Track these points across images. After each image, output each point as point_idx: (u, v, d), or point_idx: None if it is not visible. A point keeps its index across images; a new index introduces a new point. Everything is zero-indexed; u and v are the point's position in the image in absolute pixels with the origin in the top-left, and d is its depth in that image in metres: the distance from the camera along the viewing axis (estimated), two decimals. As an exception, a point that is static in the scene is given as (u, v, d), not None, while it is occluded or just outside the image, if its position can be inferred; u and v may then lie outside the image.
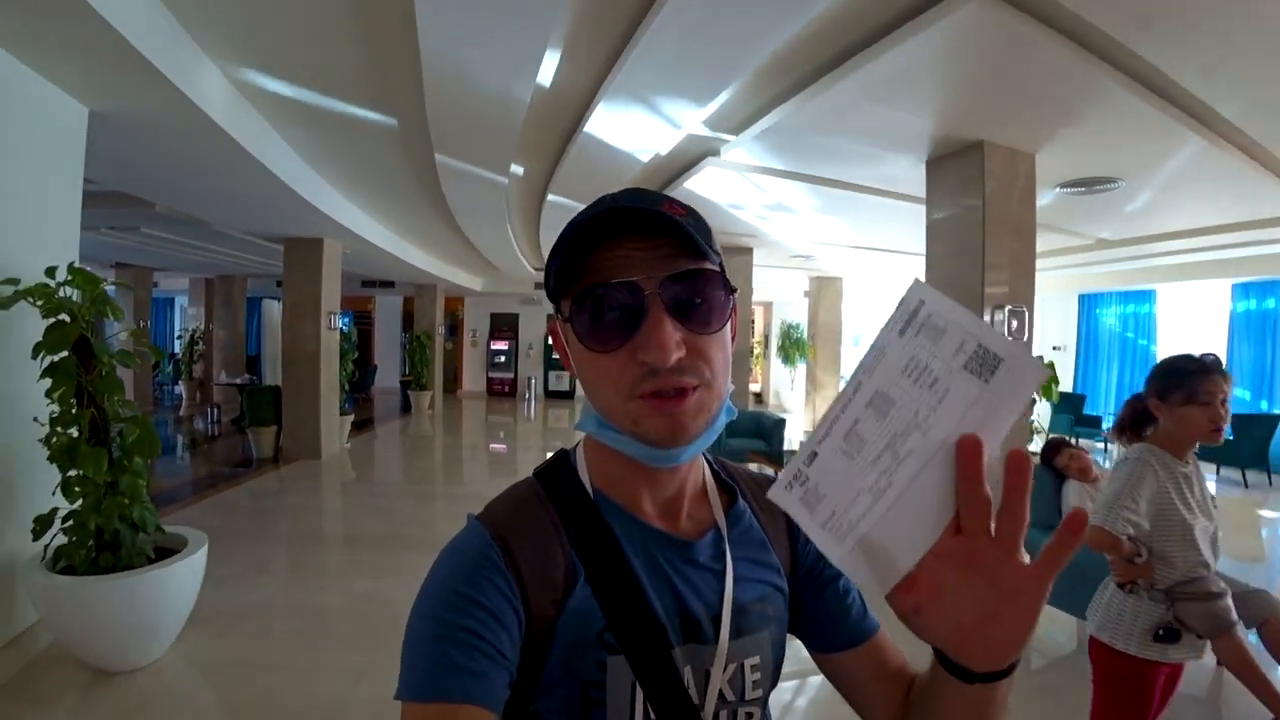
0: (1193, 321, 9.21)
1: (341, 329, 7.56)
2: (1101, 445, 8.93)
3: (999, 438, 0.41)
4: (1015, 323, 3.73)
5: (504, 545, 0.57)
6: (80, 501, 2.51)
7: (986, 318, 3.61)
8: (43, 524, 2.52)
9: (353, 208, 6.44)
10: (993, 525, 0.43)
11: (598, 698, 0.56)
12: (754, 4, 2.36)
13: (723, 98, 3.24)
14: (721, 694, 0.59)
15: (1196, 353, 1.69)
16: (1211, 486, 4.80)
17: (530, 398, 14.53)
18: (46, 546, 2.59)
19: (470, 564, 0.55)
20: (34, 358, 2.42)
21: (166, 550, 2.82)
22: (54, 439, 2.49)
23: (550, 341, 0.68)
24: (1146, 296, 9.80)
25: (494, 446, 9.40)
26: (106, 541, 2.58)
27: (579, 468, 0.65)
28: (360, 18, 2.71)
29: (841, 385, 0.67)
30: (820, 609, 0.70)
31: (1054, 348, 10.65)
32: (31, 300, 2.45)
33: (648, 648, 0.56)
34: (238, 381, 9.69)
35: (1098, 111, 3.14)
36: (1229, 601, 1.71)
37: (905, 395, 0.42)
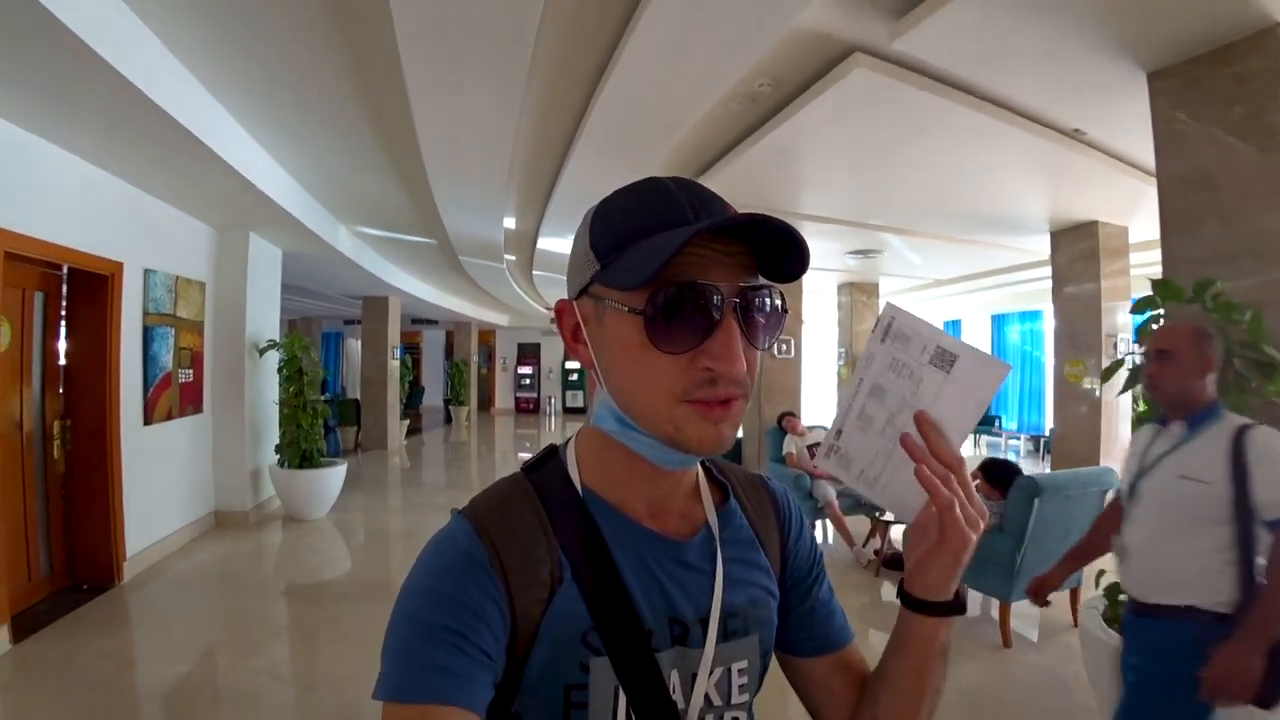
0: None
1: (401, 358, 10.75)
2: (1001, 439, 11.29)
3: (971, 414, 0.54)
4: None
5: (490, 542, 0.55)
6: (294, 438, 5.59)
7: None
8: (279, 447, 5.62)
9: (409, 277, 9.64)
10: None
11: (579, 700, 0.55)
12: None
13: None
14: (707, 698, 0.59)
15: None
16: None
17: (550, 413, 17.58)
18: (279, 457, 5.67)
19: (454, 562, 0.54)
20: (278, 372, 5.54)
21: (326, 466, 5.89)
22: (284, 410, 5.59)
23: (556, 325, 0.62)
24: (1037, 315, 11.80)
25: (515, 448, 12.44)
26: (303, 455, 5.64)
27: (569, 465, 0.63)
28: (408, 195, 5.76)
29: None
30: (806, 612, 0.71)
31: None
32: (275, 347, 5.57)
33: (632, 650, 0.55)
34: (323, 397, 13.06)
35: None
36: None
37: (893, 385, 0.55)
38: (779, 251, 0.54)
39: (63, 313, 3.83)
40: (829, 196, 5.19)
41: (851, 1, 2.52)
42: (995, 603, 3.49)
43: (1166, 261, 2.89)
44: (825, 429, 4.71)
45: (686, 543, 0.62)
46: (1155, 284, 2.40)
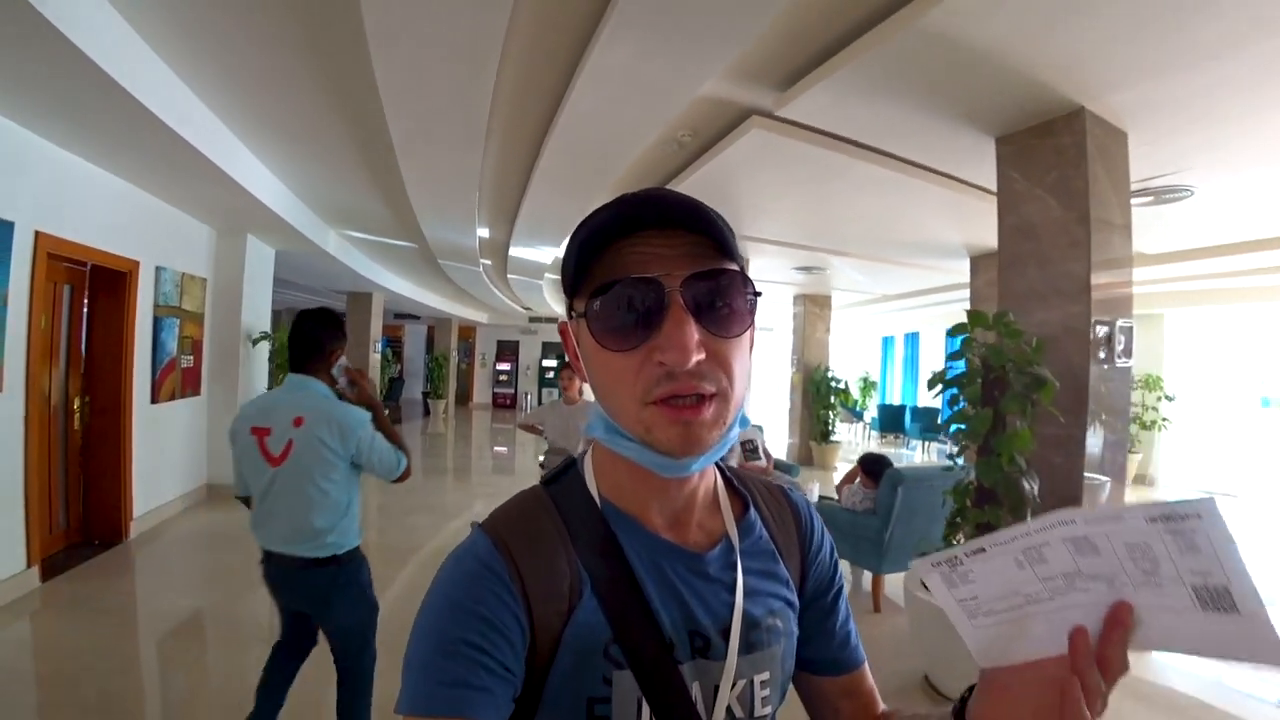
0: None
1: (383, 351, 11.31)
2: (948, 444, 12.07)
3: (1175, 644, 0.42)
4: (1123, 340, 3.22)
5: (509, 555, 0.55)
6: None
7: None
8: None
9: (392, 275, 10.21)
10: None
11: (603, 713, 0.54)
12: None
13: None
14: (730, 711, 0.58)
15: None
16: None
17: (526, 408, 18.14)
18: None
19: (473, 575, 0.54)
20: (270, 361, 6.12)
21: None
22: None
23: (562, 343, 0.64)
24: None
25: (490, 442, 13.01)
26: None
27: (586, 476, 0.63)
28: (390, 208, 6.36)
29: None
30: (819, 630, 0.70)
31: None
32: (267, 338, 6.14)
33: (655, 662, 0.55)
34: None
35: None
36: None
37: (1113, 557, 0.42)
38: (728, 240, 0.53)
39: (85, 304, 4.41)
40: (767, 222, 5.86)
41: (743, 77, 3.18)
42: (868, 574, 4.18)
43: (1001, 295, 3.60)
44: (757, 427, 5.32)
45: (706, 554, 0.61)
46: (969, 314, 3.09)
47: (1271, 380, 9.12)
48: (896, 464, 4.26)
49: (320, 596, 2.01)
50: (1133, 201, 4.18)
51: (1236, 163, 3.87)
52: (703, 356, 0.51)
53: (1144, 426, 8.89)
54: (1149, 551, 0.41)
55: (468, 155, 4.00)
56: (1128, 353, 3.27)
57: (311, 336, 2.08)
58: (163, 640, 3.32)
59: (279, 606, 2.17)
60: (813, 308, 10.08)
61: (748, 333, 0.56)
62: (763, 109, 3.47)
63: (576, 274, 0.55)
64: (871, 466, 4.20)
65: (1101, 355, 3.13)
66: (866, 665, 0.72)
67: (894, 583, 4.35)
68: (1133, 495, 7.89)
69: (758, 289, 0.55)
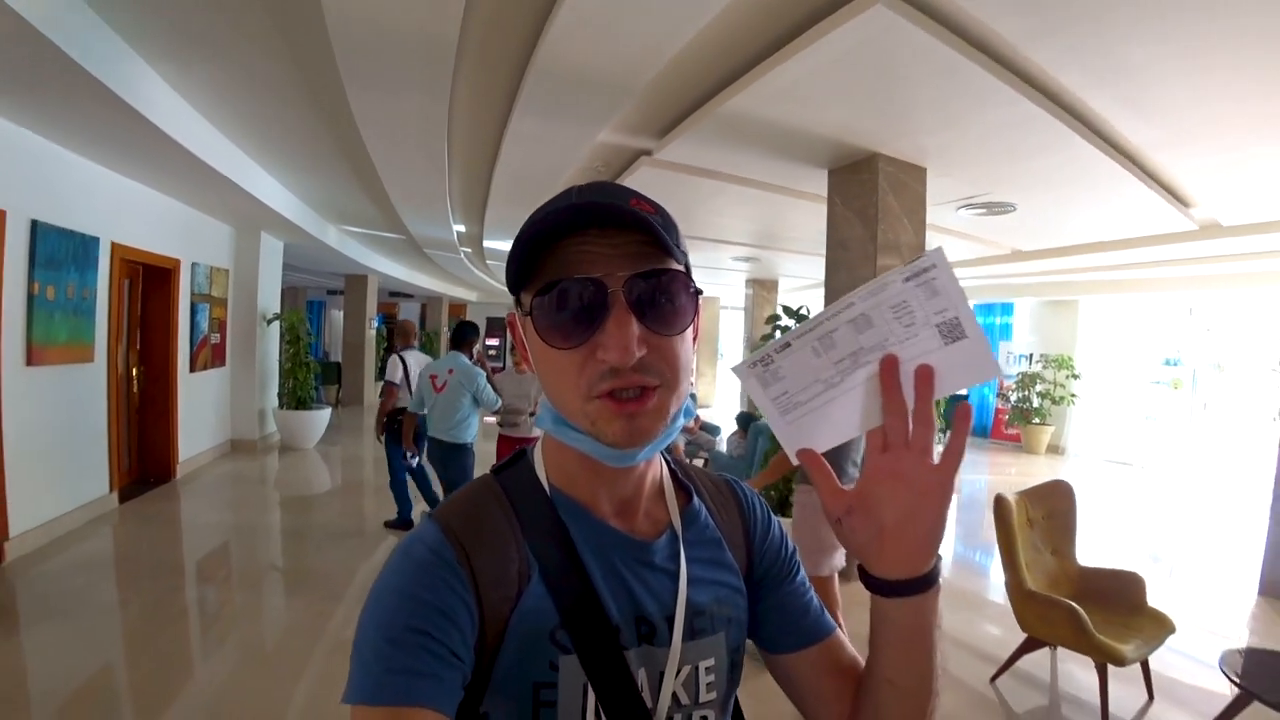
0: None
1: (378, 328, 12.57)
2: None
3: (940, 390, 0.51)
4: None
5: (457, 542, 0.56)
6: (291, 386, 7.44)
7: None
8: (280, 394, 7.49)
9: (386, 260, 11.43)
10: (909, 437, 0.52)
11: (549, 699, 0.55)
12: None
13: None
14: (675, 697, 0.59)
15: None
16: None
17: (515, 381, 19.45)
18: (280, 401, 7.54)
19: (421, 563, 0.54)
20: (281, 338, 7.39)
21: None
22: (284, 366, 7.44)
23: (510, 333, 0.66)
24: (1007, 309, 11.65)
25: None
26: (299, 399, 7.51)
27: (536, 466, 0.64)
28: (378, 208, 7.53)
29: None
30: (778, 608, 0.70)
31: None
32: (278, 319, 7.40)
33: (600, 648, 0.56)
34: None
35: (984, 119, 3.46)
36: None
37: (885, 323, 0.50)
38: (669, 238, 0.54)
39: (140, 294, 5.65)
40: (691, 224, 7.02)
41: (629, 130, 4.35)
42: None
43: (828, 289, 4.82)
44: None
45: (652, 543, 0.62)
46: (783, 307, 4.31)
47: (1168, 363, 10.11)
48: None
49: (448, 460, 4.09)
50: (968, 213, 5.43)
51: (1032, 186, 4.98)
52: (644, 353, 0.52)
53: (1055, 402, 9.98)
54: (908, 307, 0.50)
55: (433, 175, 5.17)
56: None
57: (460, 335, 4.29)
58: (204, 540, 4.69)
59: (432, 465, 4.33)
60: (761, 291, 11.27)
61: (690, 327, 0.56)
62: (648, 151, 4.66)
63: (520, 272, 0.55)
64: (742, 421, 5.46)
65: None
66: (841, 636, 0.71)
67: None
68: (1045, 464, 9.15)
69: (699, 287, 0.57)
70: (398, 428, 4.67)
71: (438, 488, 4.64)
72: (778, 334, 4.40)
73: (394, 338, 5.13)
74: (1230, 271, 7.54)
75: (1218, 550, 5.31)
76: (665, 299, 0.54)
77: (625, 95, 3.46)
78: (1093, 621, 2.70)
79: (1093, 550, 3.89)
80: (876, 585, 0.56)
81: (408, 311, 20.76)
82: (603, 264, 0.53)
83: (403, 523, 4.79)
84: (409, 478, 4.75)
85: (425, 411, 4.18)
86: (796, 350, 0.52)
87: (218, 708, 2.57)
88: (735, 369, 0.55)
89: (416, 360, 5.05)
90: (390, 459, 4.83)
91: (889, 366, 0.51)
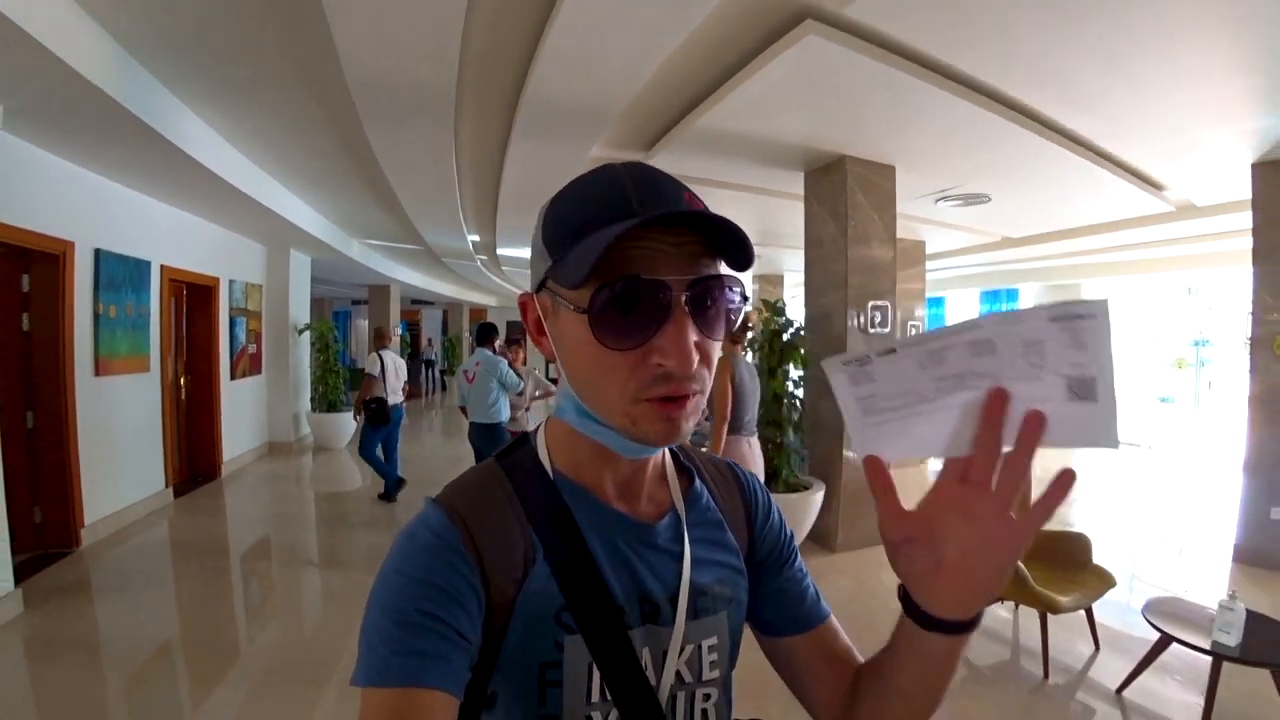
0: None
1: (402, 335, 13.17)
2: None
3: (1046, 442, 0.46)
4: (879, 315, 4.67)
5: (463, 526, 0.56)
6: (322, 391, 8.00)
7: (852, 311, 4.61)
8: (313, 398, 8.06)
9: (407, 270, 12.01)
10: (994, 479, 0.48)
11: (554, 678, 0.56)
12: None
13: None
14: (679, 675, 0.60)
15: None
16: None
17: (535, 383, 20.00)
18: (313, 405, 8.11)
19: (426, 547, 0.55)
20: (312, 347, 7.95)
21: (344, 412, 8.34)
22: (316, 373, 8.01)
23: (522, 316, 0.62)
24: (1012, 295, 11.52)
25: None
26: (330, 403, 8.07)
27: (539, 450, 0.64)
28: (397, 223, 8.05)
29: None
30: (777, 591, 0.71)
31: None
32: (308, 328, 7.96)
33: (605, 628, 0.56)
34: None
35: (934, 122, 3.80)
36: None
37: (1009, 355, 0.45)
38: (727, 243, 0.53)
39: (185, 310, 6.22)
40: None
41: (618, 144, 4.76)
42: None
43: (806, 285, 5.17)
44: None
45: (654, 525, 0.63)
46: (763, 301, 4.68)
47: (1178, 345, 10.25)
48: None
49: (486, 438, 4.78)
50: (947, 205, 5.72)
51: (1001, 177, 5.27)
52: (698, 359, 0.52)
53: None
54: (1041, 348, 0.44)
55: (444, 193, 5.65)
56: (884, 324, 4.81)
57: (483, 334, 5.01)
58: (249, 528, 5.24)
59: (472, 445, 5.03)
60: (766, 285, 11.60)
61: None
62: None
63: (577, 262, 0.51)
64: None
65: (855, 326, 4.70)
66: (836, 624, 0.71)
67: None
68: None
69: (747, 293, 0.56)
70: (373, 411, 5.64)
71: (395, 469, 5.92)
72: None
73: (375, 339, 6.29)
74: (1220, 249, 7.70)
75: (1205, 522, 5.52)
76: (716, 305, 0.54)
77: (606, 119, 3.88)
78: (1040, 577, 3.01)
79: (1091, 524, 4.42)
80: (920, 618, 0.54)
81: (431, 318, 21.50)
82: (668, 264, 0.52)
83: (392, 489, 5.72)
84: (379, 454, 5.78)
85: (463, 404, 5.06)
86: (900, 359, 0.48)
87: (262, 663, 3.04)
88: (825, 363, 0.50)
89: (391, 358, 6.04)
90: (364, 436, 5.74)
91: (997, 399, 0.47)
